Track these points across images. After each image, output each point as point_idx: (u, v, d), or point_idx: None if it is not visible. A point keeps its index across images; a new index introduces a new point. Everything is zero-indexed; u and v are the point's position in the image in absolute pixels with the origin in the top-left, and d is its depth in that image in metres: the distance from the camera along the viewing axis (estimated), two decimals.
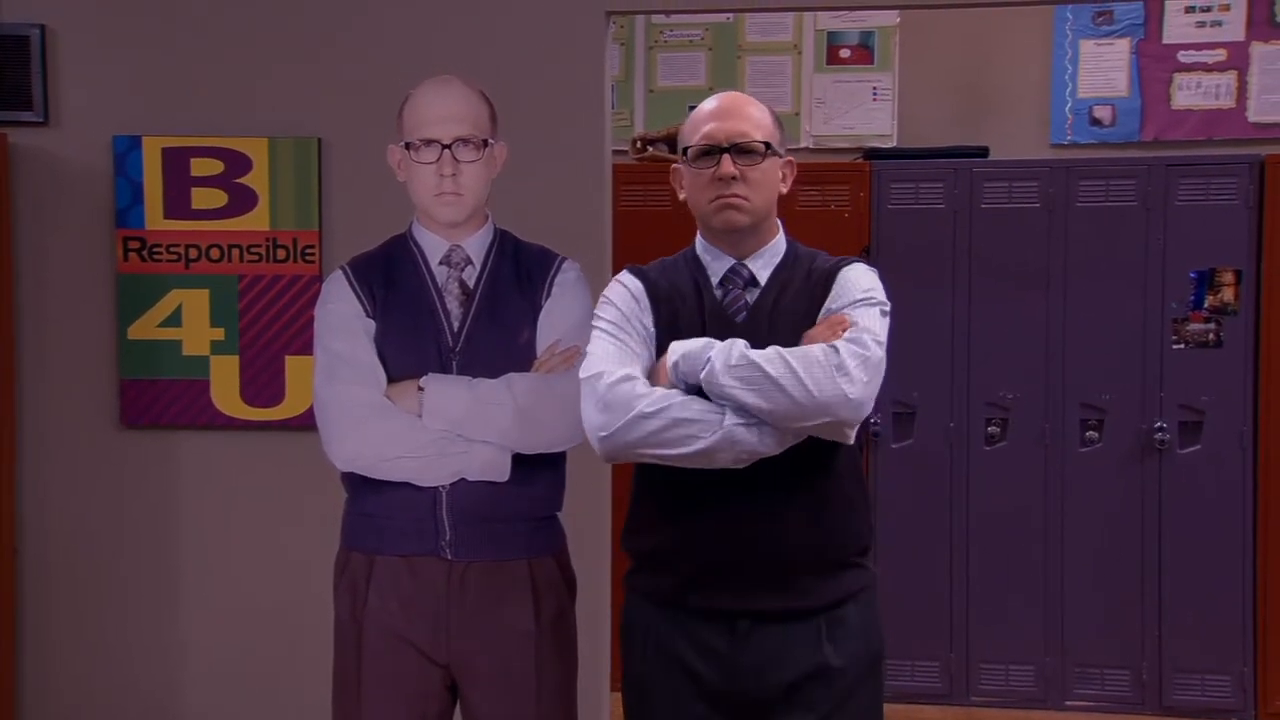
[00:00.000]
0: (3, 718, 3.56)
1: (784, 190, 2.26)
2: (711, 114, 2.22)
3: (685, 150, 2.23)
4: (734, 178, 2.16)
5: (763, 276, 2.23)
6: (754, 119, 2.21)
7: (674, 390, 2.08)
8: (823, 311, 2.17)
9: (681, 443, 2.05)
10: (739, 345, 2.07)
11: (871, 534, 2.27)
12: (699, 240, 2.29)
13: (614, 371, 2.11)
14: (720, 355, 2.06)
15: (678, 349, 2.10)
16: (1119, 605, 4.37)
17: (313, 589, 2.84)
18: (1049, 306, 4.36)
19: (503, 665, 2.31)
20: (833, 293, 2.18)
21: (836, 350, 2.06)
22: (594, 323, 2.21)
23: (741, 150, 2.18)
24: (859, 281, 2.19)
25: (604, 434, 2.08)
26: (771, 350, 2.06)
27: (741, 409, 2.04)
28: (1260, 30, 4.81)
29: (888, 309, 2.18)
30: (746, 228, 2.21)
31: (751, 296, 2.22)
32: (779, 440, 2.07)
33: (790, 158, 2.28)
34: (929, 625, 4.43)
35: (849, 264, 2.23)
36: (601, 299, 2.25)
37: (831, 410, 2.04)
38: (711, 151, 2.18)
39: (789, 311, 2.19)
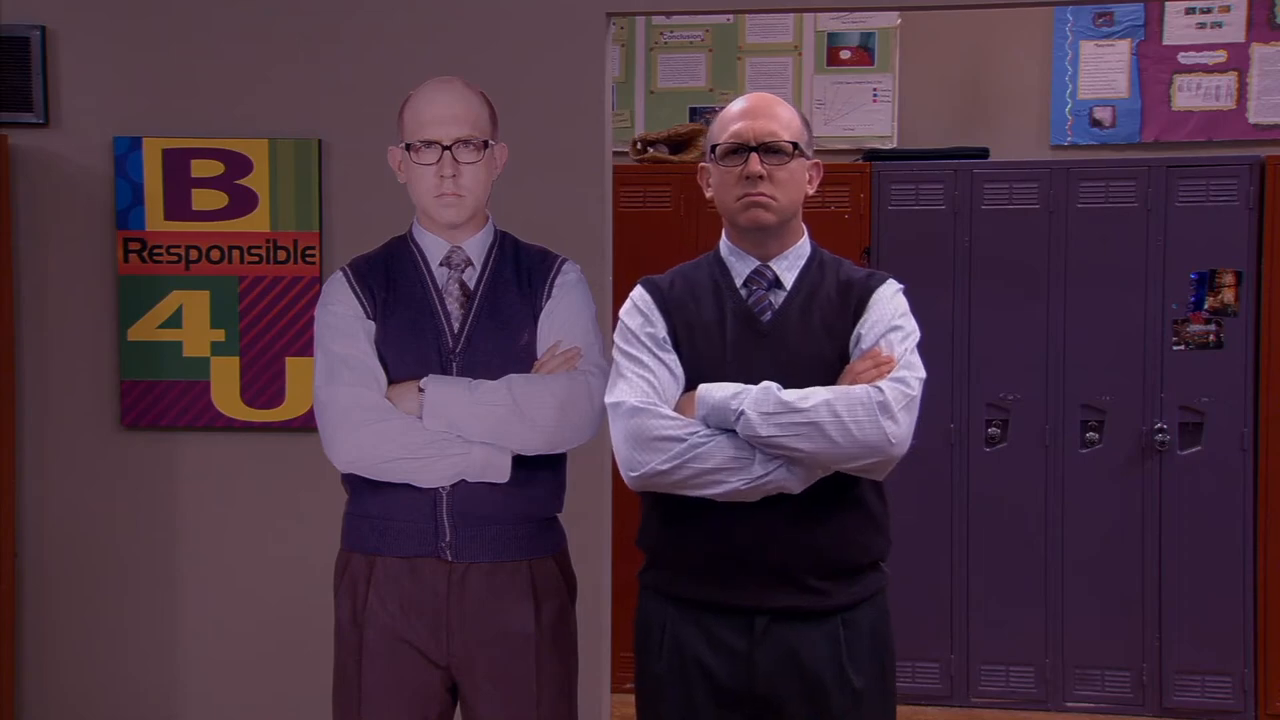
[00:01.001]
0: (3, 718, 3.56)
1: (810, 192, 2.27)
2: (741, 113, 2.23)
3: (713, 148, 2.24)
4: (761, 176, 2.18)
5: (787, 279, 2.24)
6: (783, 119, 2.22)
7: (698, 431, 2.09)
8: (855, 334, 2.18)
9: (707, 486, 2.10)
10: (772, 390, 2.07)
11: (889, 539, 2.28)
12: (723, 242, 2.30)
13: (633, 401, 2.13)
14: (753, 404, 2.06)
15: (705, 401, 2.11)
16: (1119, 606, 4.36)
17: (312, 590, 2.84)
18: (1049, 308, 4.36)
19: (503, 667, 2.31)
20: (867, 315, 2.19)
21: (881, 390, 2.08)
22: (614, 349, 2.23)
23: (770, 150, 2.19)
24: (894, 305, 2.20)
25: (633, 474, 2.13)
26: (812, 393, 2.07)
27: (772, 455, 2.06)
28: (1260, 31, 4.81)
29: (919, 337, 2.20)
30: (772, 227, 2.21)
31: (776, 298, 2.23)
32: (807, 478, 2.10)
33: (817, 160, 2.29)
34: (930, 626, 4.42)
35: (881, 282, 2.24)
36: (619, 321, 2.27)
37: (874, 451, 2.07)
38: (740, 150, 2.20)
39: (819, 319, 2.20)
